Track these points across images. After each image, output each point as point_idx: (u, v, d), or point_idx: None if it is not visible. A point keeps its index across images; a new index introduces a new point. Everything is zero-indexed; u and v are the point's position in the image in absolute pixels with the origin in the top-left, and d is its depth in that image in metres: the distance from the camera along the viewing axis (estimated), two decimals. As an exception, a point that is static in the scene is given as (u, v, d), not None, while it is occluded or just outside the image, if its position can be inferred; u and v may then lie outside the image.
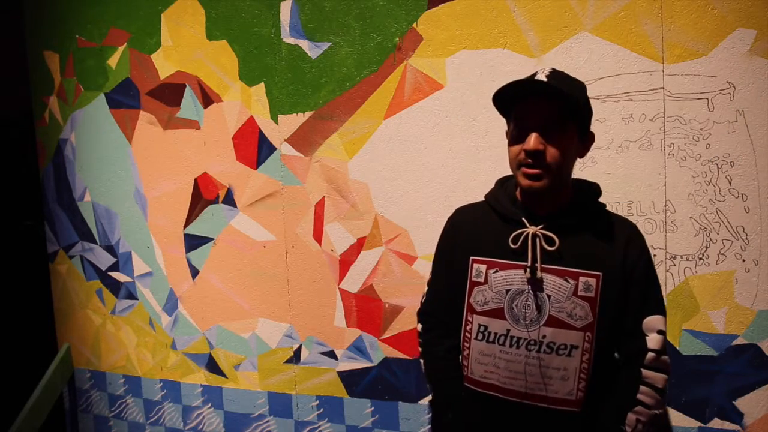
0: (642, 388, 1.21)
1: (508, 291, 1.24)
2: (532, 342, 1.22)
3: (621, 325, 1.25)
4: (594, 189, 1.34)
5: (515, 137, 1.22)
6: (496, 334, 1.26)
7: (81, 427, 2.75)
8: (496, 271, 1.26)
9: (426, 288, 1.50)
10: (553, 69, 1.23)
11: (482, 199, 1.43)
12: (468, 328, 1.31)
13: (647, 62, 1.78)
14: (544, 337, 1.21)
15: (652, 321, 1.24)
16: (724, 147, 1.74)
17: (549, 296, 1.21)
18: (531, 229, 1.23)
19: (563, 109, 1.17)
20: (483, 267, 1.28)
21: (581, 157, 1.28)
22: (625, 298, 1.24)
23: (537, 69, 1.33)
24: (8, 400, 2.58)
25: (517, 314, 1.24)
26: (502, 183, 1.39)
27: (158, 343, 2.55)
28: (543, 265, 1.21)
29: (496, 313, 1.26)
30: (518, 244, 1.24)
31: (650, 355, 1.21)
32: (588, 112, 1.25)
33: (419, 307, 1.51)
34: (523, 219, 1.25)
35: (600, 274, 1.21)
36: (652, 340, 1.22)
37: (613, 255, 1.23)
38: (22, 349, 3.04)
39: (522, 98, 1.21)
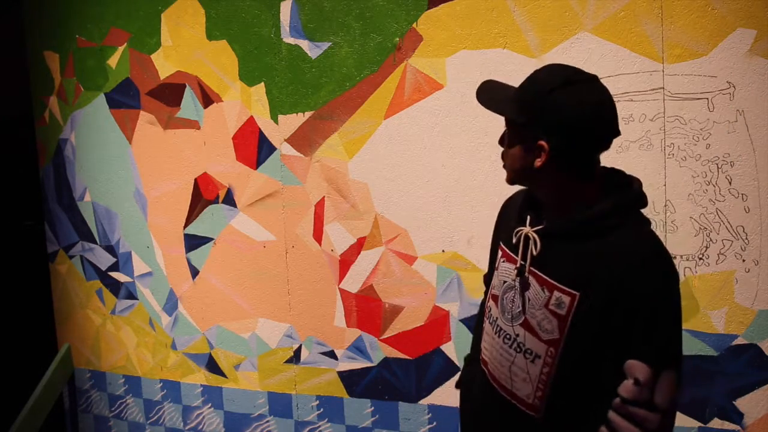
0: (603, 429, 1.10)
1: (504, 282, 1.27)
2: (508, 336, 1.24)
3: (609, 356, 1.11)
4: (629, 198, 1.15)
5: None
6: (493, 318, 1.30)
7: (81, 427, 2.75)
8: (503, 261, 1.29)
9: None
10: (539, 69, 1.19)
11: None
12: (488, 305, 1.36)
13: (647, 62, 1.78)
14: (518, 335, 1.22)
15: (633, 366, 1.06)
16: (724, 147, 1.74)
17: (529, 299, 1.20)
18: (525, 230, 1.21)
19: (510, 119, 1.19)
20: (500, 253, 1.32)
21: (539, 167, 1.10)
22: (615, 329, 1.08)
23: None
24: (8, 400, 2.57)
25: (504, 306, 1.26)
26: None
27: (158, 343, 2.54)
28: (531, 268, 1.19)
29: (496, 300, 1.30)
30: (514, 240, 1.24)
31: (616, 400, 1.09)
32: (530, 123, 1.10)
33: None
34: (528, 217, 1.25)
35: (577, 294, 1.10)
36: (624, 387, 1.07)
37: (606, 277, 1.08)
38: (22, 349, 3.04)
39: None
